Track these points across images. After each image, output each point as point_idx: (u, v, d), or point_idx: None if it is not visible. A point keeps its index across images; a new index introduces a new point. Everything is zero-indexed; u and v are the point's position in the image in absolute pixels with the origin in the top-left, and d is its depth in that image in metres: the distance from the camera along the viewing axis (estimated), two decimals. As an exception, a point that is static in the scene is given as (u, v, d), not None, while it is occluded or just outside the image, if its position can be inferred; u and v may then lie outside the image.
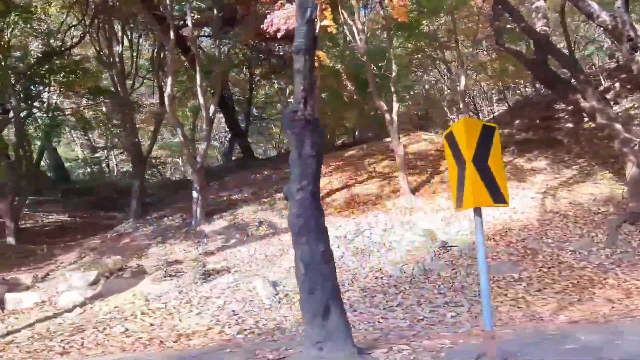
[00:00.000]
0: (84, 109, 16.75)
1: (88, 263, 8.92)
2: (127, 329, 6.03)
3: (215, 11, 9.80)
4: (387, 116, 10.55)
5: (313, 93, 3.94)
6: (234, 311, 6.48)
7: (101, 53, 12.51)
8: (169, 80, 9.37)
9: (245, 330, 5.68)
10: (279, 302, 6.80)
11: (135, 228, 10.68)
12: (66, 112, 16.15)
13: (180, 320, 6.27)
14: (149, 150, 12.86)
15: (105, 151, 22.33)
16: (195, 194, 10.13)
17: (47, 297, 8.11)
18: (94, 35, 12.41)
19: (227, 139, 21.94)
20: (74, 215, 13.82)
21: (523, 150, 14.05)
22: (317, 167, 4.05)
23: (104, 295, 7.71)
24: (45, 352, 5.34)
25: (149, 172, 22.73)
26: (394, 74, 10.19)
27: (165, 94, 9.48)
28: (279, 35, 6.93)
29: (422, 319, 5.56)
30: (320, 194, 11.15)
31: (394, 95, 10.21)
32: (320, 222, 4.04)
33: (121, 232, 10.63)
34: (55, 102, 15.56)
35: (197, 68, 9.37)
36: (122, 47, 11.49)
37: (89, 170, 19.93)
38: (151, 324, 6.17)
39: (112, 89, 13.26)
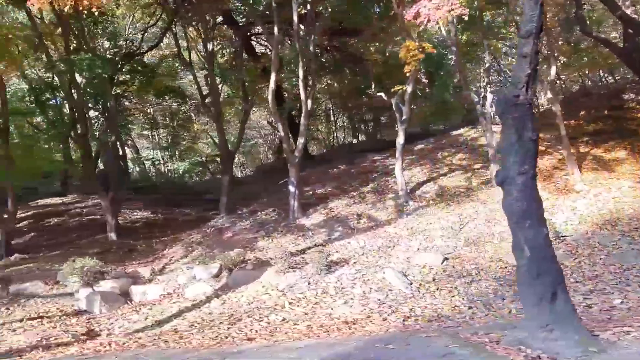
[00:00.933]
0: (150, 108, 17.14)
1: (202, 257, 9.14)
2: (284, 318, 6.18)
3: (308, 6, 9.90)
4: (478, 108, 10.52)
5: (536, 78, 3.98)
6: (379, 300, 6.57)
7: (181, 54, 12.74)
8: (273, 76, 9.52)
9: (409, 317, 5.75)
10: (418, 290, 6.86)
11: (232, 223, 10.88)
12: (134, 112, 16.57)
13: (332, 308, 6.38)
14: (237, 147, 13.09)
15: (157, 151, 22.80)
16: (292, 188, 10.28)
17: (172, 289, 8.35)
18: (175, 36, 12.64)
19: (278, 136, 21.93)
20: (155, 212, 14.15)
21: (597, 141, 13.79)
22: (536, 151, 4.09)
23: (232, 287, 7.90)
24: (222, 337, 5.50)
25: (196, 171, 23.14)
26: (487, 64, 10.13)
27: (270, 90, 9.64)
28: (428, 25, 6.99)
29: (591, 306, 5.56)
30: (410, 186, 11.20)
31: (488, 86, 10.16)
32: (540, 205, 4.08)
33: (219, 226, 10.85)
34: (125, 102, 15.92)
35: (300, 63, 9.50)
36: (213, 46, 11.68)
37: (150, 169, 20.29)
38: (305, 313, 6.30)
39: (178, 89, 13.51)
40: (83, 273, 8.15)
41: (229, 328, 5.94)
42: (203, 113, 12.91)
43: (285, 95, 14.05)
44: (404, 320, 5.67)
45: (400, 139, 10.52)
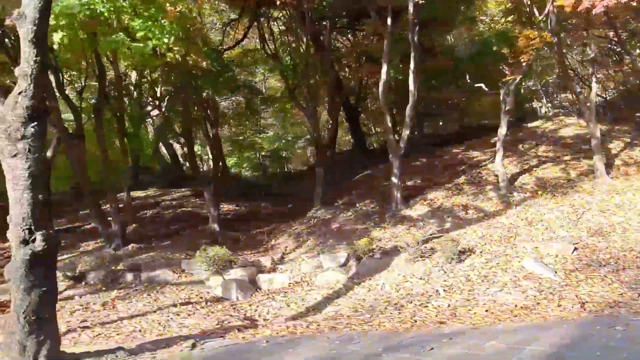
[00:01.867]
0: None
1: (320, 246, 9.34)
2: (449, 304, 6.28)
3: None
4: (581, 99, 10.44)
5: None
6: (535, 287, 6.61)
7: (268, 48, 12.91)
8: (384, 68, 9.64)
9: (584, 303, 5.78)
10: (568, 278, 6.89)
11: (333, 214, 11.04)
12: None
13: (490, 295, 6.46)
14: (332, 138, 13.27)
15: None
16: (395, 180, 10.38)
17: (299, 278, 8.54)
18: (262, 29, 12.81)
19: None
20: (238, 205, 14.43)
21: None
22: None
23: (363, 276, 8.05)
24: (411, 320, 5.65)
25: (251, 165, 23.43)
26: (592, 54, 10.04)
27: (381, 82, 9.76)
28: (593, 12, 7.00)
29: None
30: (507, 177, 11.14)
31: (594, 77, 10.08)
32: None
33: (320, 218, 11.01)
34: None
35: (412, 54, 9.58)
36: (308, 40, 11.80)
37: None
38: (466, 299, 6.40)
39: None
40: (214, 261, 8.41)
41: (399, 313, 6.07)
42: (295, 106, 13.00)
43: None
44: (581, 306, 5.71)
45: (502, 130, 10.54)
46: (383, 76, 9.76)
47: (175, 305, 7.32)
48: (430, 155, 14.41)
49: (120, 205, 10.64)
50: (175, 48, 7.51)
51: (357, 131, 20.65)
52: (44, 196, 4.21)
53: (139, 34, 7.21)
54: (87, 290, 8.46)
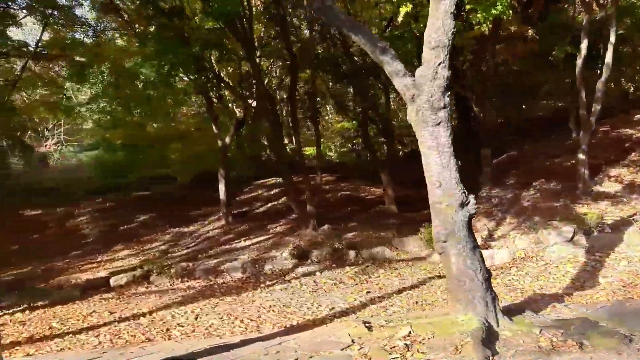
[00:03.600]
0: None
1: (530, 223, 9.37)
2: None
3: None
4: None
5: None
6: None
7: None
8: (585, 43, 9.56)
9: None
10: None
11: (514, 193, 11.04)
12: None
13: None
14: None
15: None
16: (582, 156, 10.28)
17: (523, 253, 8.62)
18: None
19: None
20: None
21: None
22: None
23: (600, 249, 8.04)
24: None
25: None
26: None
27: (580, 59, 9.69)
28: None
29: None
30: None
31: None
32: None
33: (501, 196, 11.05)
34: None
35: (615, 28, 9.46)
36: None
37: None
38: None
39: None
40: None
41: None
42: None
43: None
44: None
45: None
46: (583, 52, 9.65)
47: (425, 281, 7.58)
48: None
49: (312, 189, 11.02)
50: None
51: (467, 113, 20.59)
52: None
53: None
54: (318, 267, 8.83)
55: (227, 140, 11.97)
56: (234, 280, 8.69)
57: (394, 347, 3.98)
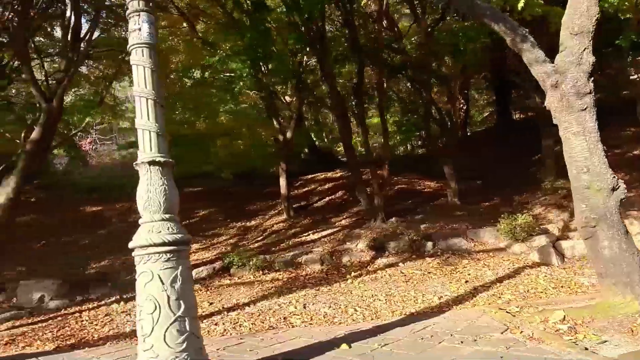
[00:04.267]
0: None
1: None
2: None
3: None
4: None
5: None
6: None
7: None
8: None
9: None
10: None
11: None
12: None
13: None
14: None
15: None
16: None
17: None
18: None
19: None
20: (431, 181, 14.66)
21: None
22: None
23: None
24: None
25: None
26: None
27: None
28: None
29: None
30: None
31: None
32: None
33: (567, 188, 10.99)
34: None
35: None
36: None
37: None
38: None
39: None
40: (522, 229, 8.63)
41: None
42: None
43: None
44: None
45: None
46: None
47: (518, 271, 7.58)
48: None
49: (380, 181, 11.07)
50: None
51: (505, 105, 20.50)
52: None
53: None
54: (398, 258, 8.89)
55: (289, 134, 12.07)
56: (317, 272, 8.78)
57: (557, 330, 4.02)
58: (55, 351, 5.39)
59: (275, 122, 12.11)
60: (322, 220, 11.73)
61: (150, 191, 3.37)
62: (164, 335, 3.15)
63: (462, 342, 4.04)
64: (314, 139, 19.50)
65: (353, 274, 8.37)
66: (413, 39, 12.94)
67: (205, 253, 10.48)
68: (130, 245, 3.42)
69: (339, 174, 15.72)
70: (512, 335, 4.09)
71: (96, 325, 6.64)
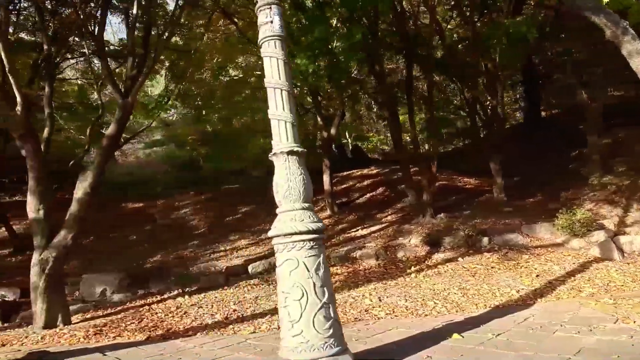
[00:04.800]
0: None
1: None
2: None
3: None
4: None
5: None
6: None
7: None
8: None
9: None
10: None
11: (631, 179, 10.93)
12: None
13: None
14: None
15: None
16: None
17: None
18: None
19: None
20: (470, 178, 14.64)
21: None
22: None
23: None
24: None
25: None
26: None
27: None
28: None
29: None
30: None
31: None
32: None
33: (616, 183, 10.96)
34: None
35: None
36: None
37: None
38: None
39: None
40: (582, 224, 8.60)
41: None
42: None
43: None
44: None
45: None
46: None
47: (585, 265, 7.57)
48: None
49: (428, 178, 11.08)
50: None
51: (535, 102, 20.35)
52: None
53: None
54: (454, 253, 8.90)
55: (333, 131, 12.13)
56: (374, 267, 8.83)
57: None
58: (149, 341, 5.48)
59: (319, 119, 12.17)
60: (367, 217, 11.77)
61: (291, 180, 3.44)
62: (313, 321, 3.21)
63: (578, 332, 4.06)
64: (347, 137, 19.60)
65: (413, 268, 8.40)
66: (454, 33, 12.95)
67: (257, 248, 10.56)
68: (272, 233, 3.49)
69: (375, 171, 15.74)
70: (626, 325, 4.11)
71: (172, 317, 6.74)
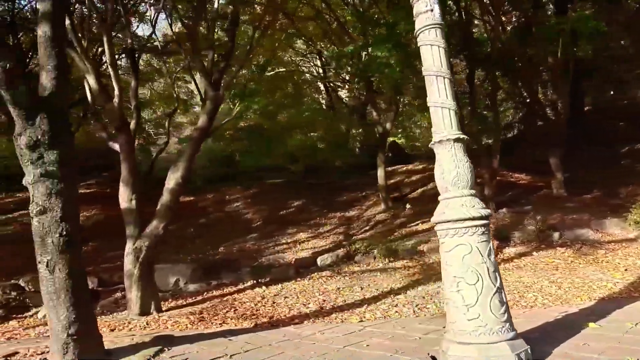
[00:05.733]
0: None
1: None
2: None
3: None
4: None
5: None
6: None
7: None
8: None
9: None
10: None
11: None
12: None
13: None
14: None
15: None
16: None
17: None
18: None
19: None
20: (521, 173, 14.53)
21: None
22: None
23: None
24: None
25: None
26: None
27: None
28: None
29: None
30: None
31: None
32: None
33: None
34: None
35: None
36: None
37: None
38: None
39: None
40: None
41: None
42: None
43: None
44: None
45: None
46: None
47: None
48: None
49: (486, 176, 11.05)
50: None
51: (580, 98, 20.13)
52: None
53: None
54: (526, 248, 8.88)
55: (388, 126, 12.15)
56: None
57: None
58: (258, 328, 5.57)
59: (375, 113, 12.19)
60: (423, 211, 11.76)
61: (459, 167, 3.48)
62: (490, 305, 3.26)
63: None
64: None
65: (488, 262, 8.39)
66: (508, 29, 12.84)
67: (319, 242, 10.66)
68: (440, 219, 3.52)
69: (420, 167, 15.72)
70: None
71: (264, 306, 6.83)
